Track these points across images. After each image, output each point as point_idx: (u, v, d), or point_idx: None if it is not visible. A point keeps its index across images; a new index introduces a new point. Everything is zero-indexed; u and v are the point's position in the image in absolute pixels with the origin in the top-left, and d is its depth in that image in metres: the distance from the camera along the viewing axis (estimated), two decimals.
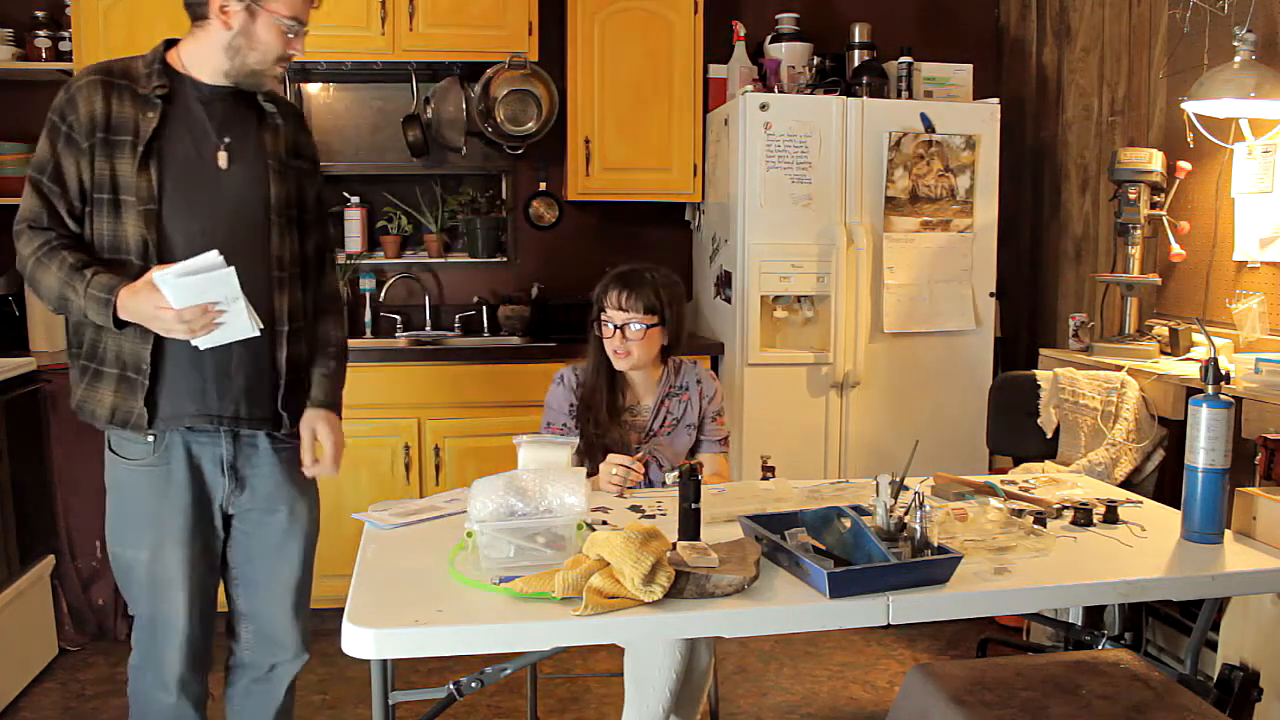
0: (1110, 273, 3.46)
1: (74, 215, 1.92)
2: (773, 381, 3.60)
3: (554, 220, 4.12)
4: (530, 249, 4.13)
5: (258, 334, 1.89)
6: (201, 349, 1.90)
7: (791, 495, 2.09)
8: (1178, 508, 1.93)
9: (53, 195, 1.90)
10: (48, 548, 3.29)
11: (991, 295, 3.73)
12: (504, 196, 4.10)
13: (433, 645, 1.52)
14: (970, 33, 4.30)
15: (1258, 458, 2.40)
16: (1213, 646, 2.40)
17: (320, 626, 2.22)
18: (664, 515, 2.02)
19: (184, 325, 1.82)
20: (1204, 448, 1.82)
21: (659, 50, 3.78)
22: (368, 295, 4.00)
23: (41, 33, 3.55)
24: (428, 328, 4.07)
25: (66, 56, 3.53)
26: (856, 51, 3.92)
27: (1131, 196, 3.23)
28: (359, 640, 1.46)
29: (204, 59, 1.97)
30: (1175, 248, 3.24)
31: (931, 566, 1.63)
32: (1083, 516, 1.98)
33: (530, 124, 3.73)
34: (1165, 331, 3.25)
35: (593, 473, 2.28)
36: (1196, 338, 3.19)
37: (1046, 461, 3.13)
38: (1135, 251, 3.28)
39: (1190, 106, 2.99)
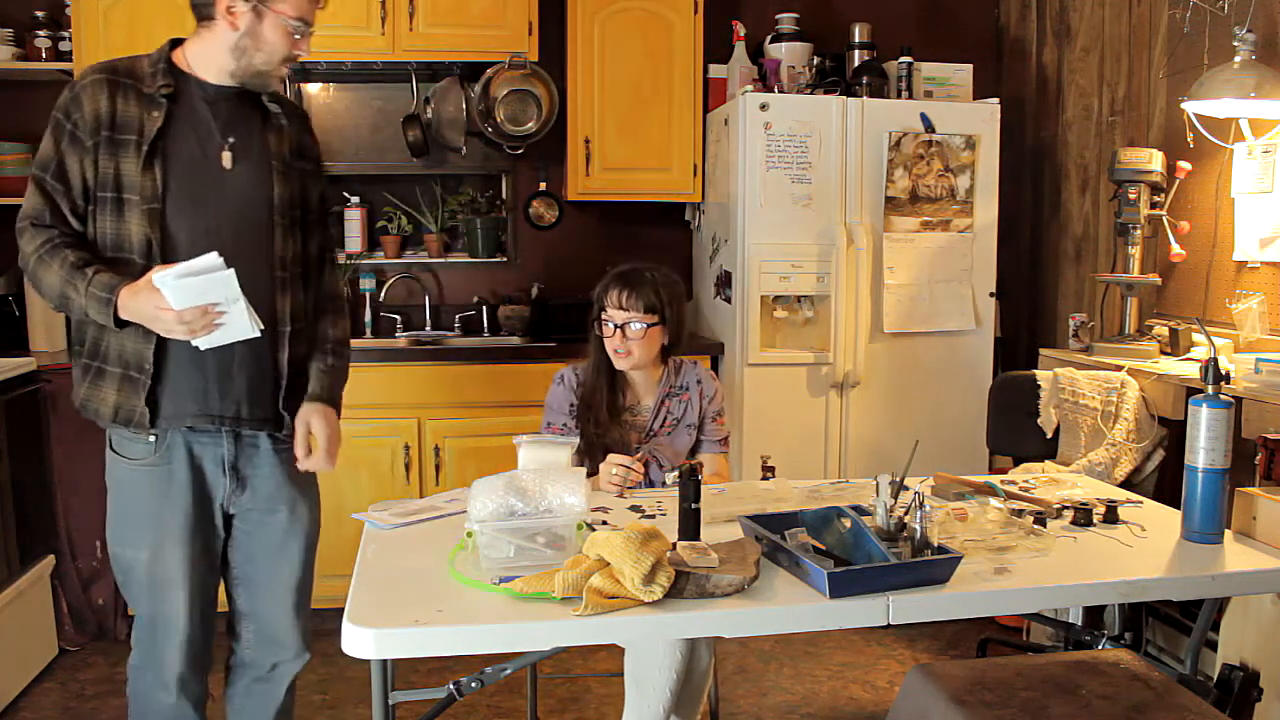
0: (1110, 273, 3.46)
1: (77, 213, 1.92)
2: (773, 381, 3.60)
3: (554, 220, 4.12)
4: (530, 249, 4.14)
5: (258, 335, 1.90)
6: (203, 349, 1.90)
7: (791, 495, 2.09)
8: (1178, 508, 1.93)
9: (56, 193, 1.90)
10: (48, 548, 3.30)
11: (991, 295, 3.73)
12: (504, 196, 4.10)
13: (433, 645, 1.52)
14: (970, 33, 4.30)
15: (1258, 458, 2.40)
16: (1213, 646, 2.40)
17: (320, 626, 2.22)
18: (664, 515, 2.02)
19: (184, 326, 1.82)
20: (1204, 448, 1.82)
21: (659, 50, 3.78)
22: (368, 295, 4.01)
23: (41, 33, 3.55)
24: (428, 328, 4.07)
25: (66, 56, 3.53)
26: (856, 51, 3.92)
27: (1131, 196, 3.23)
28: (359, 640, 1.46)
29: (209, 59, 1.97)
30: (1175, 248, 3.24)
31: (931, 566, 1.63)
32: (1083, 516, 1.98)
33: (530, 124, 3.73)
34: (1165, 331, 3.25)
35: (593, 473, 2.28)
36: (1196, 338, 3.19)
37: (1046, 461, 3.13)
38: (1135, 251, 3.28)
39: (1190, 106, 2.99)
